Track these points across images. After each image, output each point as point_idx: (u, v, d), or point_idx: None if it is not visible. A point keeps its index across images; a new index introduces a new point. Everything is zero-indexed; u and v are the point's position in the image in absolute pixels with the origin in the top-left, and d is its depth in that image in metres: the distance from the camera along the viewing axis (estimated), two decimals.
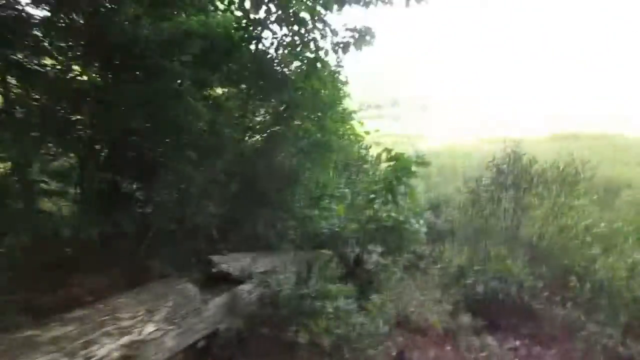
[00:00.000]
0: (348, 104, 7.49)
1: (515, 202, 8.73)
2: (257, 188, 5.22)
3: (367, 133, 8.09)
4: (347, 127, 7.17)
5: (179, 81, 4.37)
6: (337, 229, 6.77)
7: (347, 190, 7.38)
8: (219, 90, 5.89)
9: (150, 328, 3.09)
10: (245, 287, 4.28)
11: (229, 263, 4.26)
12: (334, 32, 5.64)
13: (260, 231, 5.25)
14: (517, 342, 6.14)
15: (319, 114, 5.73)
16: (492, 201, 8.86)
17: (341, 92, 6.61)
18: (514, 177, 8.63)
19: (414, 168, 7.31)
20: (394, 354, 4.94)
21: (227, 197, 4.76)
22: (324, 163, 6.00)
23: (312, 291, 4.59)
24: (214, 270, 4.05)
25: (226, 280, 4.19)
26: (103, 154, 4.55)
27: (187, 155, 4.05)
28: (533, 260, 8.08)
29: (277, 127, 5.67)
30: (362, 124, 8.25)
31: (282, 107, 5.78)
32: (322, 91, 5.67)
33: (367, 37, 6.07)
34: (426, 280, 8.07)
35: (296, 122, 5.78)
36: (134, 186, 4.72)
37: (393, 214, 7.34)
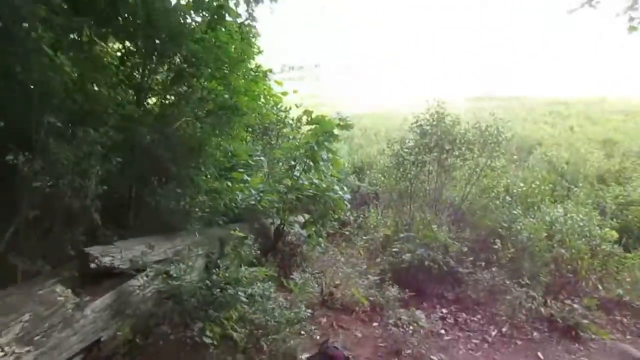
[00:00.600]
0: (263, 62, 6.74)
1: (438, 163, 8.54)
2: (153, 160, 4.41)
3: (285, 94, 7.41)
4: (262, 87, 6.41)
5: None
6: (252, 202, 6.14)
7: (263, 158, 6.72)
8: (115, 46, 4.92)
9: None
10: (136, 281, 3.54)
11: (115, 254, 3.47)
12: None
13: (159, 211, 4.47)
14: (444, 311, 5.99)
15: (225, 72, 4.92)
16: (415, 164, 8.60)
17: (254, 48, 5.82)
18: (437, 138, 8.39)
19: (336, 131, 6.83)
20: (318, 338, 4.49)
21: (114, 172, 3.92)
22: (233, 128, 5.25)
23: (222, 278, 3.98)
24: (92, 265, 3.26)
25: (112, 276, 3.43)
26: None
27: (49, 123, 3.15)
28: (457, 223, 8.01)
29: (175, 88, 4.82)
30: (280, 84, 7.54)
31: (184, 64, 4.90)
32: (229, 45, 4.86)
33: None
34: (351, 249, 7.75)
35: (200, 82, 4.93)
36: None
37: (315, 181, 6.85)
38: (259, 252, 5.15)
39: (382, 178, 10.10)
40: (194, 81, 4.85)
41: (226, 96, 4.96)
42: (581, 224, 7.12)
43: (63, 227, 3.59)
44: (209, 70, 4.79)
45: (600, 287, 6.58)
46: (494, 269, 6.33)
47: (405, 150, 8.63)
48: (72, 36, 4.00)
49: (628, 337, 5.81)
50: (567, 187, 10.39)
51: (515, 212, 7.25)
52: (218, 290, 3.88)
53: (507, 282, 6.07)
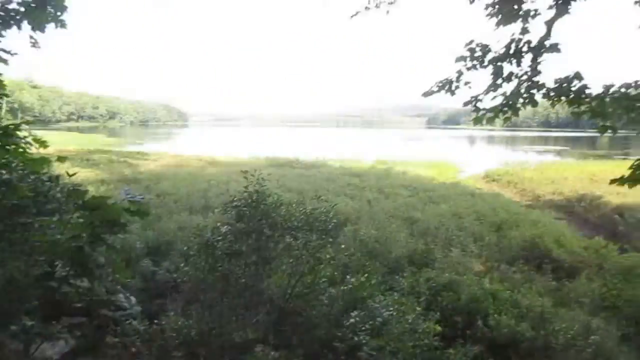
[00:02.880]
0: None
1: (257, 252, 6.99)
2: None
3: (44, 145, 4.95)
4: None
5: None
6: None
7: None
8: None
9: None
10: None
11: None
12: None
13: None
14: None
15: None
16: (229, 254, 6.87)
17: None
18: (256, 223, 6.89)
19: (124, 219, 4.70)
20: None
21: None
22: None
23: None
24: None
25: None
26: None
27: None
28: (280, 327, 6.52)
29: None
30: (42, 144, 5.05)
31: None
32: None
33: (51, 10, 3.70)
34: None
35: None
36: None
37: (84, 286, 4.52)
38: None
39: (186, 267, 8.01)
40: None
41: None
42: (410, 321, 6.35)
43: None
44: None
45: None
46: None
47: (218, 237, 6.87)
48: None
49: None
50: (385, 272, 9.91)
51: (353, 319, 6.00)
52: None
53: None
